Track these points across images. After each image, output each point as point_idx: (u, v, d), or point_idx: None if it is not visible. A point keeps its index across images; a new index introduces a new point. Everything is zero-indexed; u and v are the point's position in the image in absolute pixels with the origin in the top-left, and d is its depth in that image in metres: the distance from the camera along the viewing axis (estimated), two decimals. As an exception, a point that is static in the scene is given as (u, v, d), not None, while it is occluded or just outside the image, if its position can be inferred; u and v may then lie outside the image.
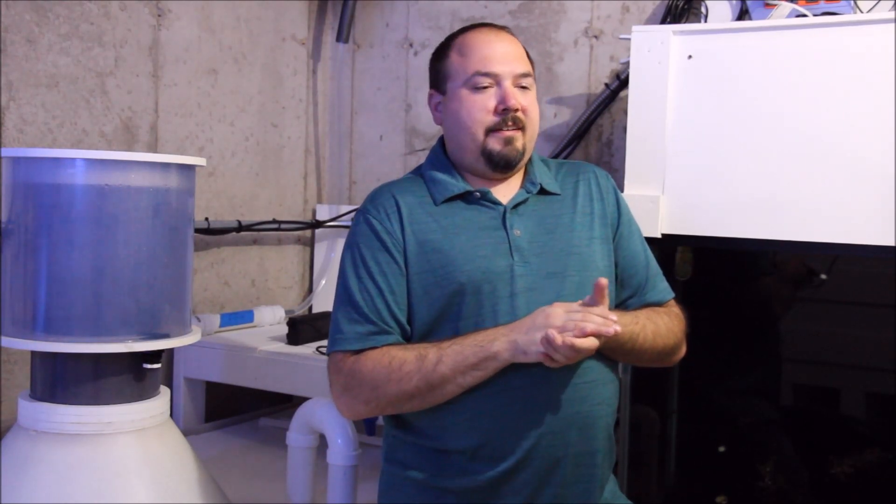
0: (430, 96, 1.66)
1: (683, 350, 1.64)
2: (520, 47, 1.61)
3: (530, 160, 1.63)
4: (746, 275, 2.07)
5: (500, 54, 1.56)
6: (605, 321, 1.38)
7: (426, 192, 1.59)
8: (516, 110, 1.54)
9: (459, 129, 1.57)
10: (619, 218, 1.63)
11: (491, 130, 1.54)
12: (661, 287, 1.65)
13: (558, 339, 1.35)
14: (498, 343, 1.42)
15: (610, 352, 1.52)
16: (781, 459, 1.98)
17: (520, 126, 1.55)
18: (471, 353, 1.43)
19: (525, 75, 1.57)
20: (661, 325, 1.56)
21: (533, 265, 1.52)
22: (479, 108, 1.55)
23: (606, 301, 1.42)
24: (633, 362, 1.64)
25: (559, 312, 1.40)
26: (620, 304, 1.61)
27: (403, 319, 1.52)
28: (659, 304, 1.63)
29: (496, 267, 1.50)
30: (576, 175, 1.65)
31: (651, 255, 1.66)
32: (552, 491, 1.48)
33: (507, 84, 1.55)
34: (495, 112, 1.54)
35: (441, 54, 1.64)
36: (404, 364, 1.45)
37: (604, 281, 1.41)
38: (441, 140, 1.66)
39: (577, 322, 1.37)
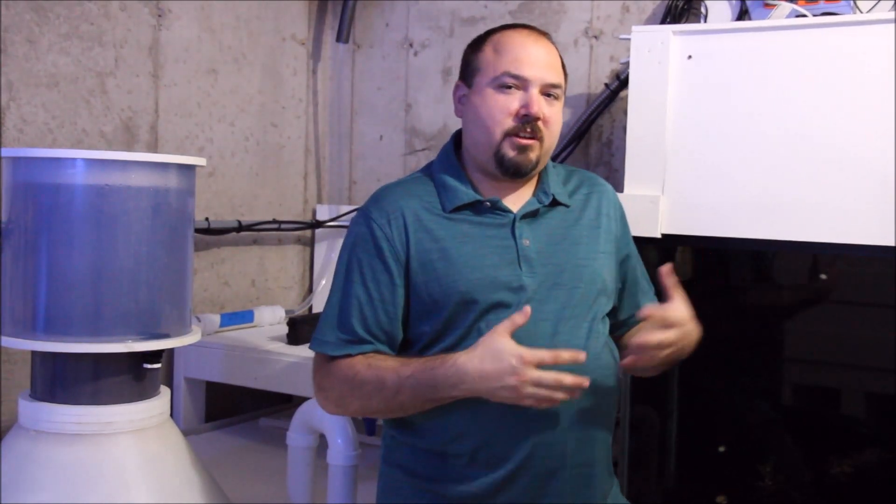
0: (457, 87, 1.61)
1: None
2: (556, 56, 1.56)
3: (545, 168, 1.61)
4: (751, 287, 2.07)
5: (534, 59, 1.52)
6: (574, 387, 1.36)
7: (435, 196, 1.55)
8: (537, 119, 1.50)
9: (477, 125, 1.54)
10: (627, 238, 1.64)
11: (508, 134, 1.51)
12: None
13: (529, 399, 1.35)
14: (458, 390, 1.39)
15: (675, 356, 1.50)
16: (781, 459, 1.98)
17: (538, 136, 1.51)
18: (430, 392, 1.41)
19: (555, 86, 1.53)
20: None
21: (540, 275, 1.50)
22: (501, 109, 1.51)
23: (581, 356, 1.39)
24: (652, 371, 1.59)
25: (526, 377, 1.34)
26: (635, 316, 1.61)
27: (392, 328, 1.51)
28: None
29: (503, 276, 1.48)
30: (589, 188, 1.63)
31: None
32: (550, 501, 1.47)
33: (534, 91, 1.50)
34: (516, 115, 1.50)
35: (476, 47, 1.59)
36: (364, 385, 1.46)
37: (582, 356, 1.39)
38: (453, 138, 1.64)
39: (547, 394, 1.35)
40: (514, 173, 1.53)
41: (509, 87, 1.51)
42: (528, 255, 1.51)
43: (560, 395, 1.36)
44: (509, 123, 1.51)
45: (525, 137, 1.51)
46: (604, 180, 1.67)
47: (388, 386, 1.43)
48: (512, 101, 1.51)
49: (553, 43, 1.59)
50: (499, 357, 1.35)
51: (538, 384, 1.34)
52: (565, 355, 1.37)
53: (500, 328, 1.38)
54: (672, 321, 1.42)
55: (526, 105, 1.50)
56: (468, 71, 1.59)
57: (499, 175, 1.55)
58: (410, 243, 1.51)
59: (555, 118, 1.54)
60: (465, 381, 1.38)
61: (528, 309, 1.39)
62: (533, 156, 1.52)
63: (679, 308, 1.44)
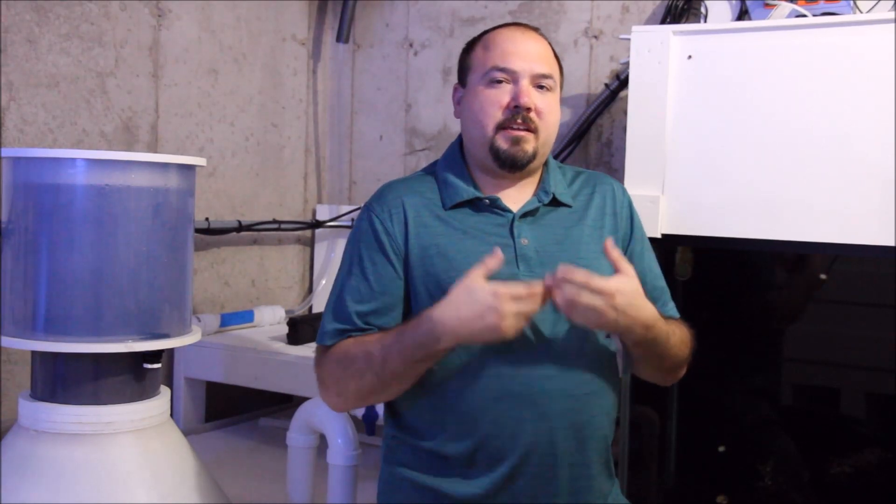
0: (455, 90, 1.63)
1: (685, 369, 1.62)
2: (546, 48, 1.57)
3: (547, 167, 1.60)
4: (751, 287, 2.07)
5: (522, 52, 1.53)
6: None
7: (437, 193, 1.56)
8: (528, 109, 1.50)
9: (472, 122, 1.55)
10: (631, 234, 1.61)
11: (500, 127, 1.51)
12: (673, 305, 1.64)
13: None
14: (443, 342, 1.39)
15: (642, 348, 1.47)
16: (781, 459, 1.98)
17: (531, 128, 1.51)
18: (416, 352, 1.41)
19: (545, 76, 1.53)
20: (678, 335, 1.55)
21: (538, 275, 1.48)
22: (492, 103, 1.52)
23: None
24: (650, 366, 1.57)
25: (505, 309, 1.34)
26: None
27: (390, 321, 1.51)
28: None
29: (500, 275, 1.46)
30: (592, 187, 1.62)
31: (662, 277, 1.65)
32: (549, 501, 1.47)
33: (525, 82, 1.51)
34: (507, 108, 1.51)
35: (469, 48, 1.61)
36: (355, 362, 1.46)
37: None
38: (460, 137, 1.64)
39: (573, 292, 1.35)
40: (511, 165, 1.53)
41: (500, 82, 1.52)
42: (527, 254, 1.51)
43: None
44: (501, 116, 1.51)
45: (517, 129, 1.51)
46: (612, 178, 1.67)
47: (375, 356, 1.43)
48: (503, 95, 1.52)
49: (544, 37, 1.59)
50: (474, 298, 1.35)
51: (517, 310, 1.34)
52: (539, 288, 1.36)
53: (472, 272, 1.38)
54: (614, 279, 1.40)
55: (516, 97, 1.50)
56: (462, 72, 1.61)
57: (497, 170, 1.55)
58: (410, 238, 1.52)
59: (549, 109, 1.54)
60: (446, 331, 1.37)
61: (499, 251, 1.38)
62: (528, 147, 1.52)
63: (623, 278, 1.41)
